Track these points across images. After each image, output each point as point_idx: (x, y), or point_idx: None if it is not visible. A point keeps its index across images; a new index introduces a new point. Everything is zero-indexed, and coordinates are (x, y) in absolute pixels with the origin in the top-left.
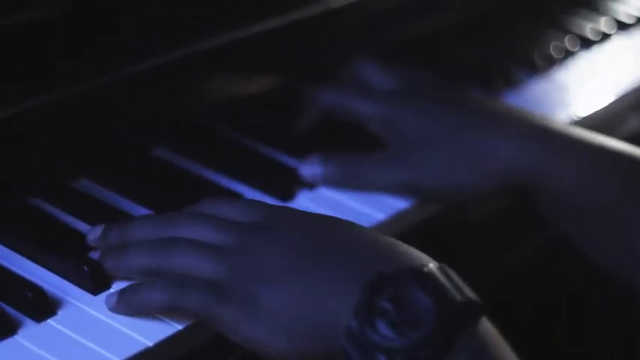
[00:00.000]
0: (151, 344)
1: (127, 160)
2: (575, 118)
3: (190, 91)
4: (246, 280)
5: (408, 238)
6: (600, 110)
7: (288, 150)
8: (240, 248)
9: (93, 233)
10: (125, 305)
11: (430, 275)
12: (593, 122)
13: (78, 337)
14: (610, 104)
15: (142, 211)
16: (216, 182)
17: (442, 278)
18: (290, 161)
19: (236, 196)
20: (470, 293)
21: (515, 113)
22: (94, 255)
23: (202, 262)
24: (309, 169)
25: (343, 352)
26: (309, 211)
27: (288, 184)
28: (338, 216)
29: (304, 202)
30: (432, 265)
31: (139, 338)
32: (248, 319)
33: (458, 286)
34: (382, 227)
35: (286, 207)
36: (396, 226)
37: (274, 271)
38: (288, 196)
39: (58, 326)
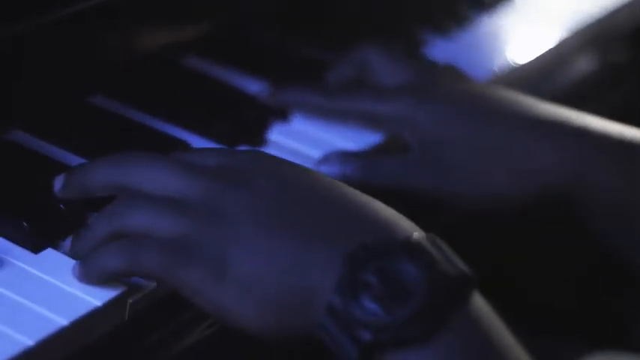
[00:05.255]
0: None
1: (63, 109)
2: (524, 60)
3: (128, 33)
4: (213, 238)
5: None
6: (549, 51)
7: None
8: (208, 200)
9: (56, 184)
10: (84, 274)
11: (419, 246)
12: (540, 64)
13: (20, 299)
14: (557, 45)
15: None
16: (163, 131)
17: (432, 249)
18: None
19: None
20: (462, 265)
21: (550, 110)
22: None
23: (163, 219)
24: (325, 168)
25: (322, 329)
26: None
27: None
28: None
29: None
30: (420, 235)
31: (86, 298)
32: (214, 282)
33: (449, 258)
34: None
35: (261, 153)
36: None
37: (247, 229)
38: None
39: None
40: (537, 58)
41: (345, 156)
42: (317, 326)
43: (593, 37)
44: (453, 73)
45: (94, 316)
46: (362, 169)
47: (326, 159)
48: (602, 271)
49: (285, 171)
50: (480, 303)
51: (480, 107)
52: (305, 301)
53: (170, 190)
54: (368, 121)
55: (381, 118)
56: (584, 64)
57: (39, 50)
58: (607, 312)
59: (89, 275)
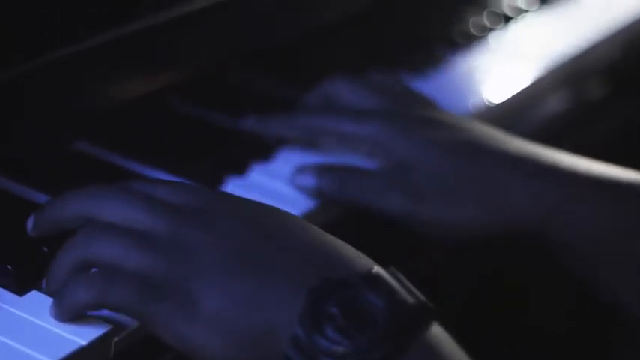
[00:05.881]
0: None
1: (46, 155)
2: (499, 99)
3: (108, 81)
4: (179, 275)
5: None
6: (524, 90)
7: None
8: (172, 238)
9: (29, 224)
10: (58, 312)
11: (379, 277)
12: (515, 102)
13: (7, 340)
14: (532, 83)
15: None
16: (144, 174)
17: (391, 280)
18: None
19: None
20: (421, 296)
21: (520, 146)
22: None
23: (129, 251)
24: (300, 180)
25: None
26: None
27: (218, 170)
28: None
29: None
30: (379, 268)
31: (72, 338)
32: (183, 319)
33: (409, 289)
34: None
35: (223, 193)
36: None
37: (210, 268)
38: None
39: None
40: (512, 97)
41: (320, 169)
42: (283, 358)
43: (568, 75)
44: (426, 102)
45: (80, 355)
46: (336, 183)
47: (301, 171)
48: (589, 300)
49: (247, 210)
50: (438, 331)
51: (452, 138)
52: (270, 335)
53: (136, 223)
54: (342, 142)
55: (356, 140)
56: (558, 102)
57: (21, 96)
58: (593, 338)
59: (63, 312)
